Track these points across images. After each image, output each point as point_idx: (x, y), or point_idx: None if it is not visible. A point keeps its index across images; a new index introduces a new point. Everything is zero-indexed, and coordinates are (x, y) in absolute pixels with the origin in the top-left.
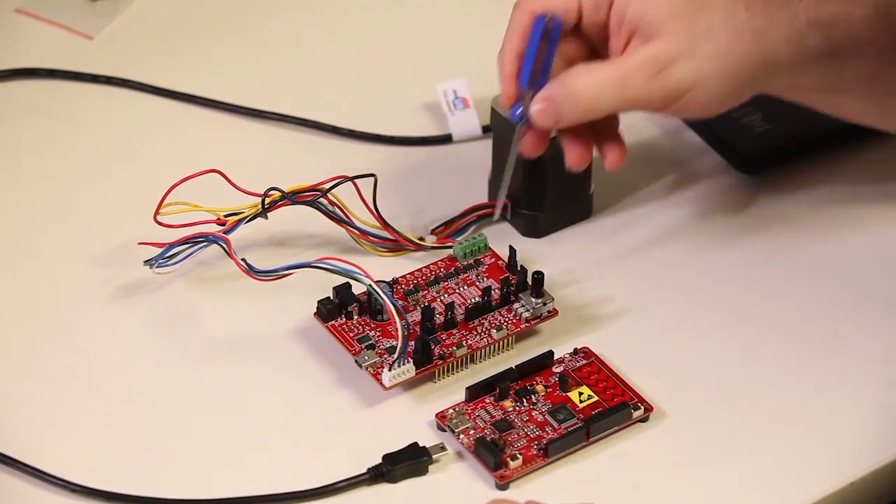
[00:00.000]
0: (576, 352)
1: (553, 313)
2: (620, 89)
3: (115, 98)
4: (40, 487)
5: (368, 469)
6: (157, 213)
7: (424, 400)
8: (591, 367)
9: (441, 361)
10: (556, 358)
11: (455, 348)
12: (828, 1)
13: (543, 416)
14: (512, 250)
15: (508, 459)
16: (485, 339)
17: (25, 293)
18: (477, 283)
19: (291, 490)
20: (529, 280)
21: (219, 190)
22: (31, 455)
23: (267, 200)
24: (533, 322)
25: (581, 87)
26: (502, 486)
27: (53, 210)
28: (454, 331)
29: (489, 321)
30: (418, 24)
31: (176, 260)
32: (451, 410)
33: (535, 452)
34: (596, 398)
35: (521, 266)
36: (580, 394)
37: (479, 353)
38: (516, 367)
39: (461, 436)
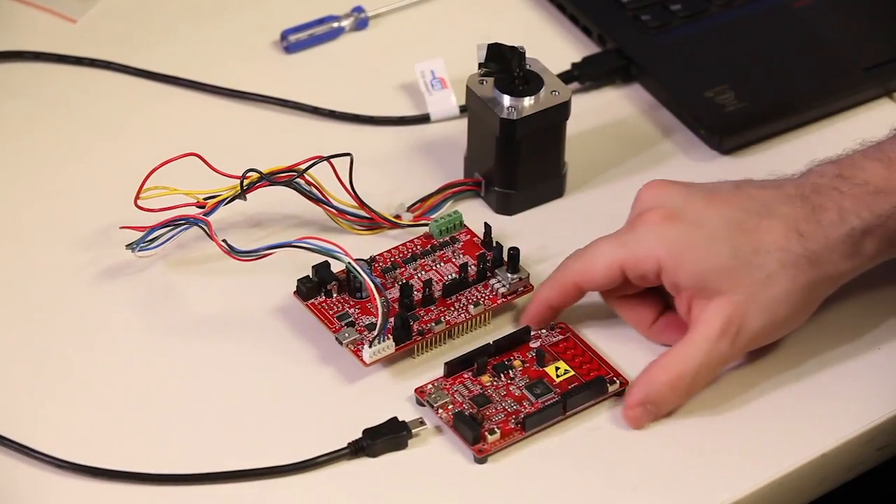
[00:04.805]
0: (552, 327)
1: (529, 288)
2: (711, 365)
3: (99, 80)
4: (26, 463)
5: (349, 443)
6: (136, 197)
7: (404, 375)
8: (567, 342)
9: (420, 337)
10: (532, 333)
11: (433, 324)
12: (878, 197)
13: (521, 390)
14: (487, 227)
15: (486, 433)
16: (462, 315)
17: (8, 274)
18: (453, 260)
19: (273, 465)
20: (505, 256)
21: (198, 172)
22: (17, 431)
23: (245, 182)
24: (509, 297)
25: (672, 382)
26: (480, 460)
27: (38, 192)
28: (432, 307)
29: (466, 297)
30: (396, 4)
31: (157, 243)
32: (429, 386)
33: (512, 426)
34: (572, 373)
35: (497, 242)
36: (557, 368)
37: (457, 328)
38: (494, 342)
39: (440, 410)
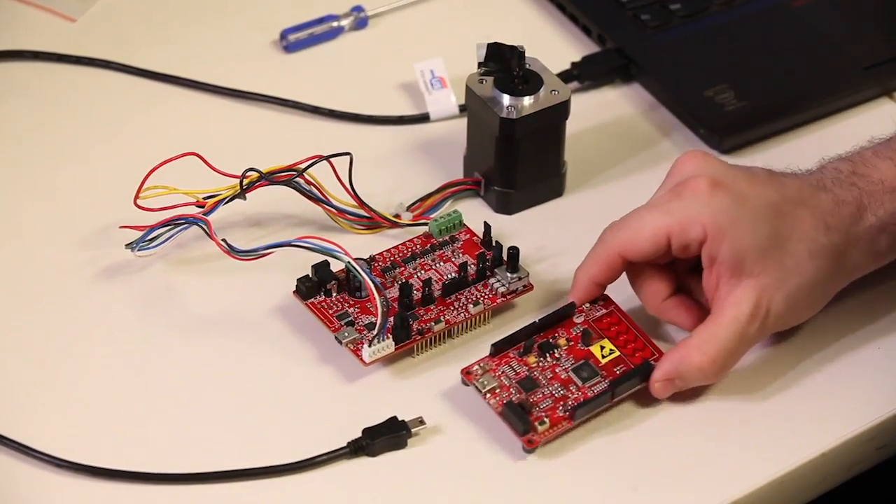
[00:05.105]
0: (595, 301)
1: (529, 287)
2: (740, 347)
3: (99, 80)
4: (26, 462)
5: (348, 443)
6: (136, 197)
7: (403, 375)
8: (611, 317)
9: (420, 337)
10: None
11: (433, 324)
12: (893, 196)
13: (567, 372)
14: (487, 226)
15: (536, 424)
16: (462, 315)
17: (8, 273)
18: (453, 259)
19: (272, 464)
20: (504, 255)
21: (198, 172)
22: (17, 431)
23: (245, 181)
24: (509, 297)
25: (703, 364)
26: (530, 451)
27: (37, 191)
28: (432, 306)
29: (466, 296)
30: (396, 4)
31: (157, 242)
32: (476, 367)
33: (560, 414)
34: (617, 353)
35: (497, 242)
36: (602, 348)
37: (456, 327)
38: (539, 320)
39: (488, 395)
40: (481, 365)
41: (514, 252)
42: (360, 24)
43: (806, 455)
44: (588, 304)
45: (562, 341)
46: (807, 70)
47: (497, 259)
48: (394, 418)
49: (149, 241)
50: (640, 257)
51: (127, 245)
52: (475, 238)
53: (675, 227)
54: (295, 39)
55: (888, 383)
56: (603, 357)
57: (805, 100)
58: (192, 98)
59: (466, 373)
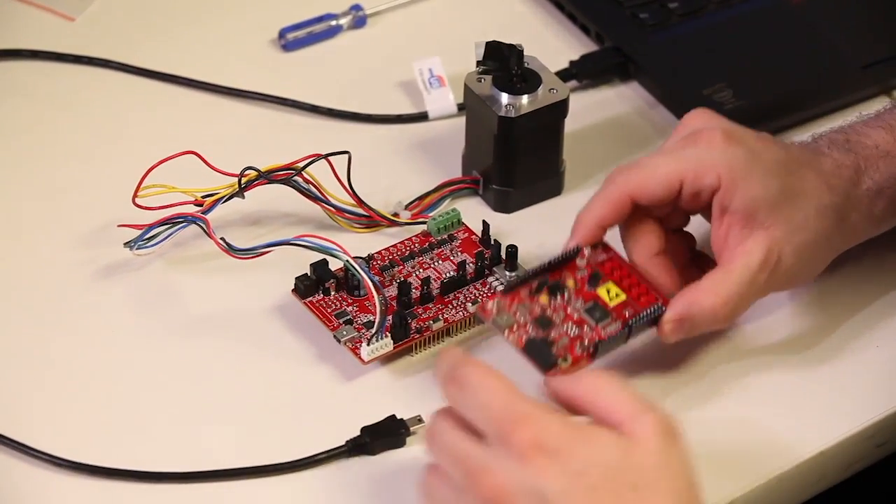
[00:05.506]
0: (595, 246)
1: None
2: (750, 294)
3: (97, 78)
4: (25, 462)
5: (347, 441)
6: (135, 195)
7: (402, 373)
8: (612, 262)
9: (418, 335)
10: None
11: (431, 322)
12: (887, 160)
13: (579, 313)
14: (485, 225)
15: (559, 360)
16: (461, 313)
17: (6, 272)
18: (451, 258)
19: (271, 462)
20: (503, 254)
21: (197, 170)
22: (16, 430)
23: (243, 180)
24: None
25: (716, 306)
26: None
27: (35, 190)
28: (430, 305)
29: (464, 295)
30: (395, 2)
31: (155, 241)
32: (490, 305)
33: (579, 353)
34: (624, 297)
35: (495, 240)
36: (608, 291)
37: (455, 326)
38: (548, 262)
39: (507, 332)
40: (496, 302)
41: (512, 250)
42: (359, 22)
43: (805, 453)
44: (588, 249)
45: (570, 282)
46: (805, 68)
47: (495, 257)
48: (392, 417)
49: (147, 239)
50: (650, 200)
51: (125, 244)
52: (474, 237)
53: (690, 172)
54: (293, 38)
55: (887, 381)
56: (610, 300)
57: (803, 98)
58: (191, 97)
59: (482, 309)
